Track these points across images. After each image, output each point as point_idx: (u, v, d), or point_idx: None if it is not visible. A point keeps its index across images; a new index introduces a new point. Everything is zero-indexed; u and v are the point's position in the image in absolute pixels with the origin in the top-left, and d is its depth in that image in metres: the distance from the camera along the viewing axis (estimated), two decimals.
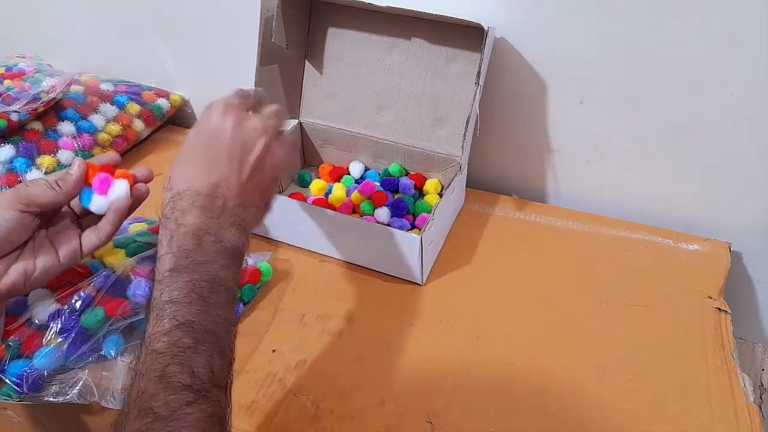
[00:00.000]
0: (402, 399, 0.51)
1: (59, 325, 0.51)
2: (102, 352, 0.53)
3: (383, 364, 0.54)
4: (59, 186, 0.46)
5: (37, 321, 0.52)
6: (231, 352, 0.39)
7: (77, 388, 0.51)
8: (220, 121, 0.44)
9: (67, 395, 0.50)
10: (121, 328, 0.53)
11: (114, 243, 0.58)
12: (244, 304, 0.59)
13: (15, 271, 0.45)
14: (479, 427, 0.49)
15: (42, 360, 0.50)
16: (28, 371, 0.50)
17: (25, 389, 0.50)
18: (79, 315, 0.52)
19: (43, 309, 0.52)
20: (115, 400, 0.51)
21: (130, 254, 0.57)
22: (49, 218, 0.49)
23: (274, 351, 0.56)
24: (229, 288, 0.40)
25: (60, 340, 0.51)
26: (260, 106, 0.49)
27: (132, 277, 0.55)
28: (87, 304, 0.52)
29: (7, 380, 0.50)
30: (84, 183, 0.47)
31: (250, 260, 0.61)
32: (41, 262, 0.47)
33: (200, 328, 0.37)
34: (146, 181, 0.51)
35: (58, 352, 0.51)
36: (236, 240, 0.41)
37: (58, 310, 0.52)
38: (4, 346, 0.51)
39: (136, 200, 0.50)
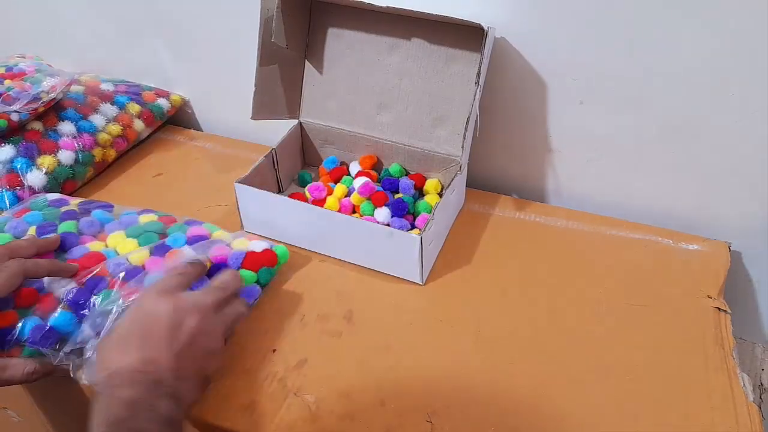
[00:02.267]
0: (402, 399, 0.51)
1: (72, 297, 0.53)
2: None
3: (383, 364, 0.54)
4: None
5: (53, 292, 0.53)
6: None
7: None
8: (153, 305, 0.46)
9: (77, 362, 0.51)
10: None
11: (126, 233, 0.60)
12: (262, 287, 0.59)
13: None
14: (479, 427, 0.49)
15: (56, 319, 0.51)
16: (43, 328, 0.51)
17: (38, 341, 0.50)
18: (94, 293, 0.53)
19: (59, 284, 0.53)
20: None
21: (142, 243, 0.58)
22: None
23: (274, 351, 0.56)
24: None
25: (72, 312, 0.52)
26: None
27: (146, 267, 0.56)
28: (102, 288, 0.53)
29: (24, 344, 0.50)
30: None
31: (265, 243, 0.62)
32: None
33: None
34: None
35: (73, 319, 0.52)
36: (170, 410, 0.42)
37: (75, 288, 0.53)
38: (15, 312, 0.52)
39: None
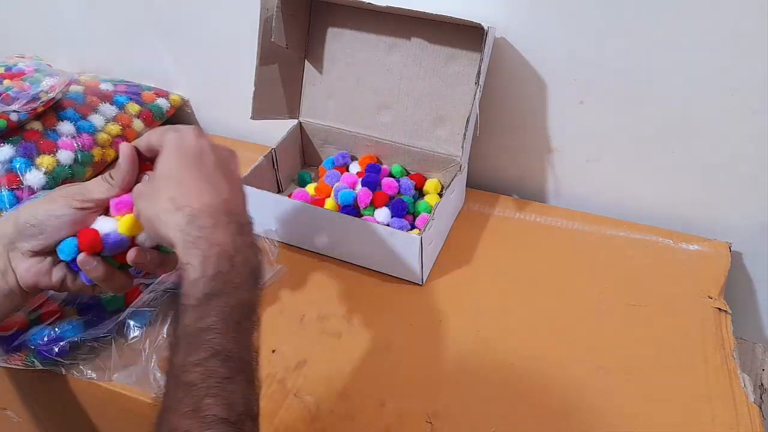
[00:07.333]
0: (402, 399, 0.51)
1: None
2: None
3: (383, 364, 0.54)
4: (112, 178, 0.46)
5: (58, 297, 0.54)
6: (258, 380, 0.37)
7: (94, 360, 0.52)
8: (196, 141, 0.43)
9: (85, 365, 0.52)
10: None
11: None
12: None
13: (59, 272, 0.46)
14: (479, 427, 0.49)
15: (65, 329, 0.51)
16: (51, 336, 0.51)
17: (47, 353, 0.51)
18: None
19: None
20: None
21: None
22: None
23: (273, 351, 0.56)
24: (256, 311, 0.39)
25: (78, 316, 0.53)
26: None
27: None
28: None
29: (30, 346, 0.51)
30: (134, 166, 0.45)
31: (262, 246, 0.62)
32: None
33: (236, 357, 0.35)
34: None
35: (79, 325, 0.52)
36: (257, 258, 0.40)
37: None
38: (25, 315, 0.52)
39: None
